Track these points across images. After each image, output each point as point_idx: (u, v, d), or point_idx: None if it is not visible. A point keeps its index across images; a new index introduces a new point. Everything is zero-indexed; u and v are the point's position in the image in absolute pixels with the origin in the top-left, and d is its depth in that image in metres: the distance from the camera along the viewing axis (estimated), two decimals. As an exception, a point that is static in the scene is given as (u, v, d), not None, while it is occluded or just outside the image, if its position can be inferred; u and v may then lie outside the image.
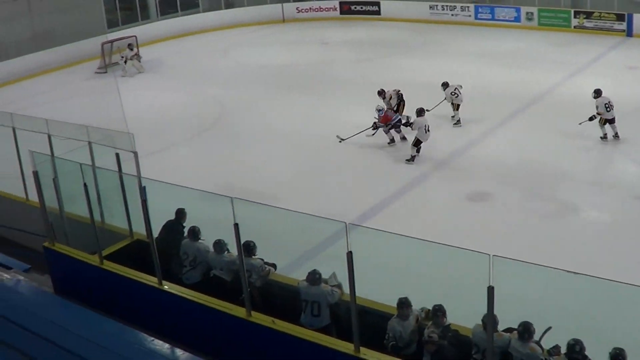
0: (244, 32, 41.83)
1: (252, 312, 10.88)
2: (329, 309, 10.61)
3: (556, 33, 36.15)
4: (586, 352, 8.71)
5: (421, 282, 11.42)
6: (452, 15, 40.23)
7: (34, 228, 15.28)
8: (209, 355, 10.74)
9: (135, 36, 35.35)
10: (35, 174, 13.22)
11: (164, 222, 13.01)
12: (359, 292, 9.51)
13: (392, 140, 21.95)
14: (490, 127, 23.10)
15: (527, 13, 37.82)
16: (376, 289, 10.80)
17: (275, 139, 23.51)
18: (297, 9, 44.04)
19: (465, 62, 31.48)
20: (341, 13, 43.83)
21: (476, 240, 13.88)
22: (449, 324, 9.72)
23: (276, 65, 33.90)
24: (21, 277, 14.02)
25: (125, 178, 12.60)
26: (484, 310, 8.60)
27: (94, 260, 13.00)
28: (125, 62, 33.55)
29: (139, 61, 34.22)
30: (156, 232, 12.42)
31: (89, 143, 13.49)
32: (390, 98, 22.87)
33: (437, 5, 40.65)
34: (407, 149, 20.95)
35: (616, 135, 20.97)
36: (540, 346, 9.04)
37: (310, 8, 44.03)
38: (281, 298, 11.51)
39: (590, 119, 20.83)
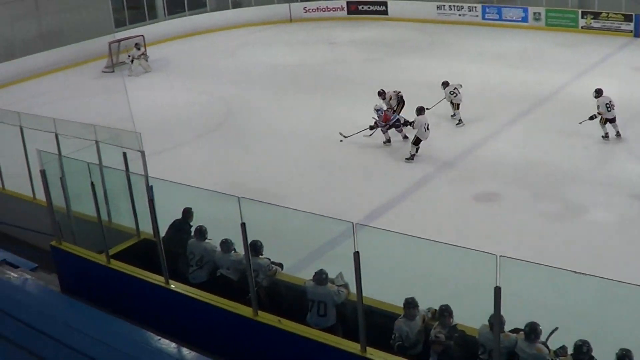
0: (251, 32, 41.82)
1: (259, 312, 10.89)
2: (335, 309, 10.62)
3: (563, 33, 36.07)
4: (593, 353, 8.70)
5: (428, 282, 11.42)
6: (460, 15, 40.17)
7: (41, 227, 15.31)
8: (216, 355, 10.74)
9: (142, 35, 35.39)
10: (43, 173, 13.25)
11: (171, 222, 13.03)
12: (365, 292, 9.52)
13: (388, 140, 22.09)
14: (497, 127, 23.06)
15: (534, 13, 37.76)
16: (383, 289, 10.80)
17: (282, 138, 23.52)
18: (304, 8, 44.03)
19: (473, 62, 31.46)
20: (348, 13, 43.79)
21: (483, 240, 13.87)
22: (456, 324, 9.72)
23: (283, 65, 33.89)
24: (28, 276, 14.05)
25: (132, 177, 12.61)
26: (490, 310, 8.60)
27: (100, 259, 13.02)
28: (132, 61, 33.58)
29: (147, 60, 34.26)
30: (163, 231, 12.44)
31: (96, 142, 13.51)
32: (390, 99, 22.91)
33: (444, 6, 40.61)
34: (404, 147, 21.01)
35: (618, 134, 21.05)
36: (547, 347, 9.03)
37: (317, 8, 44.01)
38: (288, 298, 11.52)
39: (591, 118, 20.92)
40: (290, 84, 30.40)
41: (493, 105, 25.10)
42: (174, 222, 13.05)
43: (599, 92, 20.98)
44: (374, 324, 10.01)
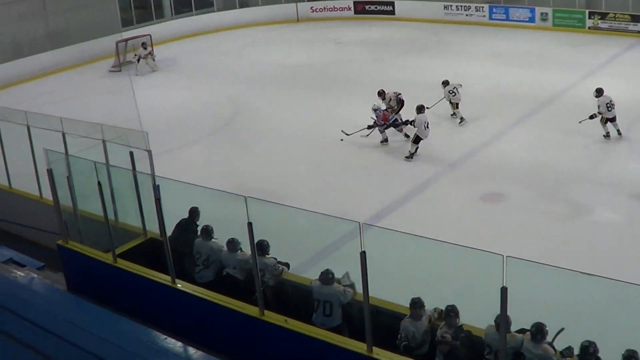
0: (258, 32, 41.84)
1: (265, 311, 10.90)
2: (341, 309, 10.62)
3: (570, 34, 35.99)
4: (599, 354, 8.69)
5: (434, 282, 11.42)
6: (467, 15, 40.14)
7: (48, 226, 15.34)
8: (222, 354, 10.73)
9: (149, 35, 35.44)
10: (50, 172, 13.28)
11: (177, 221, 13.04)
12: (371, 292, 9.51)
13: (386, 140, 22.17)
14: (503, 127, 23.04)
15: (541, 13, 37.70)
16: (389, 289, 10.80)
17: (289, 138, 23.53)
18: (311, 8, 44.03)
19: (479, 62, 31.44)
20: (355, 13, 43.77)
21: (490, 241, 13.83)
22: (462, 325, 9.70)
23: (290, 64, 33.91)
24: (35, 275, 14.08)
25: (139, 176, 12.63)
26: (496, 310, 8.60)
27: (107, 258, 13.04)
28: (138, 60, 33.66)
29: (154, 60, 34.32)
30: (169, 230, 12.46)
31: (103, 141, 13.55)
32: (390, 100, 22.94)
33: (451, 6, 40.57)
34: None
35: (619, 133, 21.16)
36: (553, 347, 9.03)
37: (324, 7, 44.00)
38: (294, 297, 11.53)
39: (591, 117, 21.02)
40: (296, 84, 30.40)
41: (499, 105, 25.09)
42: (181, 221, 13.07)
43: (599, 92, 21.10)
44: (380, 323, 10.01)
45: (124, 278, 12.79)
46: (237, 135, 24.45)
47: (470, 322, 9.88)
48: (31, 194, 17.31)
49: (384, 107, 22.49)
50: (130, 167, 12.76)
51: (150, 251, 13.06)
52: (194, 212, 13.05)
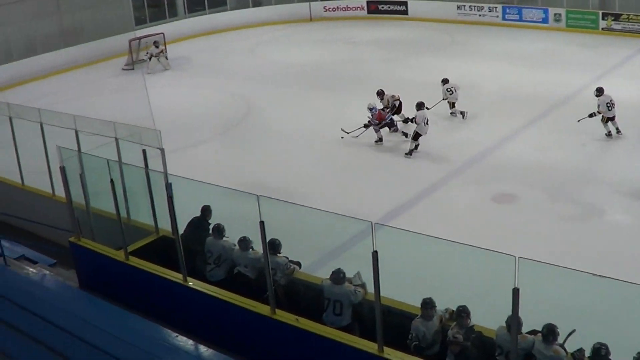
0: (271, 31, 41.88)
1: (276, 310, 10.91)
2: (352, 309, 10.62)
3: (584, 35, 35.88)
4: (611, 357, 8.67)
5: (446, 282, 11.39)
6: (480, 15, 40.05)
7: (60, 223, 15.39)
8: (233, 352, 10.76)
9: (162, 33, 35.51)
10: (62, 170, 13.33)
11: (189, 219, 13.06)
12: (382, 292, 9.51)
13: (380, 139, 22.18)
14: (516, 128, 22.98)
15: (554, 14, 37.59)
16: (400, 289, 10.79)
17: (301, 137, 23.53)
18: (324, 7, 44.05)
19: (492, 62, 31.40)
20: (368, 12, 43.78)
21: (502, 241, 13.79)
22: (473, 325, 9.69)
23: (303, 63, 33.91)
24: (47, 272, 14.16)
25: (151, 174, 12.67)
26: (508, 311, 8.58)
27: (119, 255, 13.08)
28: (150, 59, 33.75)
29: (166, 58, 34.40)
30: (181, 228, 12.47)
31: (116, 139, 13.56)
32: (388, 102, 22.98)
33: (464, 6, 40.51)
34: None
35: (618, 131, 21.33)
36: (564, 349, 9.00)
37: (337, 7, 44.02)
38: (305, 296, 11.53)
39: (590, 115, 21.13)
40: (309, 83, 30.41)
41: (511, 106, 25.05)
42: (193, 219, 13.09)
43: (599, 91, 21.25)
44: (391, 323, 10.01)
45: (136, 276, 12.82)
46: (249, 134, 24.45)
47: (482, 323, 9.86)
48: (44, 191, 17.41)
49: (380, 106, 22.57)
50: (142, 165, 12.80)
51: (162, 249, 13.10)
52: (206, 210, 13.08)
